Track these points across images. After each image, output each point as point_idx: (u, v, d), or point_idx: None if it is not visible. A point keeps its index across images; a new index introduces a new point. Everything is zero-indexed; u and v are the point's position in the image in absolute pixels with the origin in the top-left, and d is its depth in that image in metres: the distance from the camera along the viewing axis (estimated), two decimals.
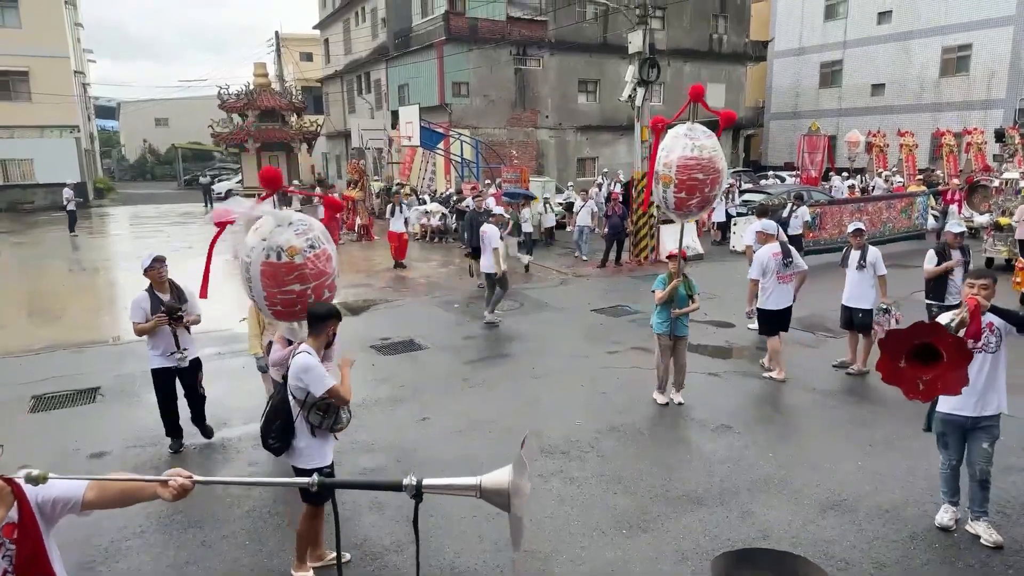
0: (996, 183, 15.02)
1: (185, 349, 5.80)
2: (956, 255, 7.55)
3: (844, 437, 6.13)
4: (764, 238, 7.98)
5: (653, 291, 6.87)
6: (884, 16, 30.32)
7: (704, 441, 6.11)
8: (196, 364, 5.99)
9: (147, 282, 5.78)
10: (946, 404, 4.51)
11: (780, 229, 8.48)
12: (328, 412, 3.89)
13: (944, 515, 4.63)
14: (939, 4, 28.31)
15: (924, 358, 3.86)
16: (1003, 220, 13.39)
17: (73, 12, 36.15)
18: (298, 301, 3.83)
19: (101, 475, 2.40)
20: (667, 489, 5.21)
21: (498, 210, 12.52)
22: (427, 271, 15.29)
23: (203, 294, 4.38)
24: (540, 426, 6.39)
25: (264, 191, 3.98)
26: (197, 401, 6.06)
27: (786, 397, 7.24)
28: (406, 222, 15.92)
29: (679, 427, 6.48)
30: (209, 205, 31.90)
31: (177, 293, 5.83)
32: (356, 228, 20.07)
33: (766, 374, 7.74)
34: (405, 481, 1.95)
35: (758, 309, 7.85)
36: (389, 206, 15.88)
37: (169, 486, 2.19)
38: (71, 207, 22.17)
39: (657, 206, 12.91)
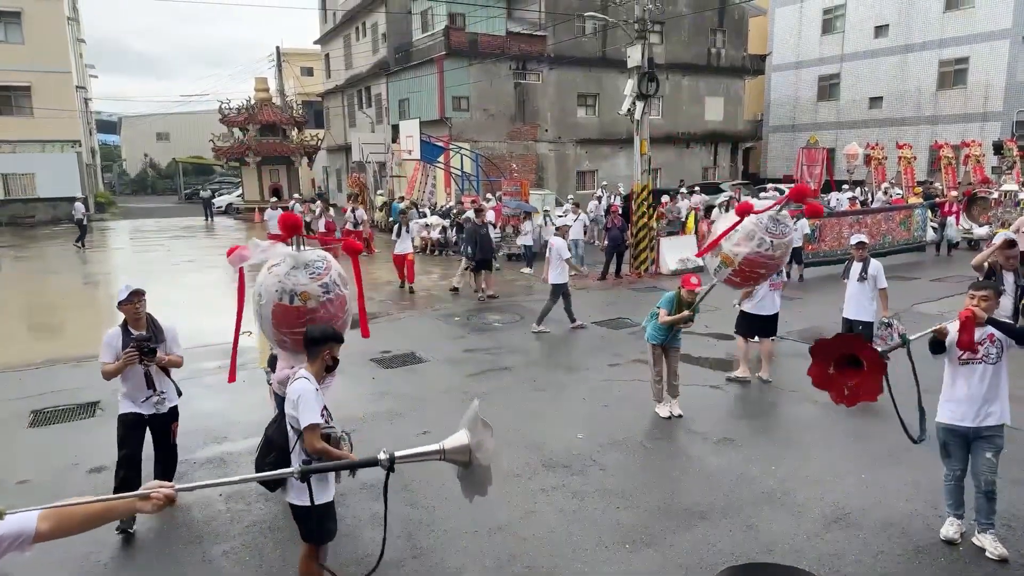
0: (995, 195, 15.08)
1: (162, 392, 4.90)
2: (1009, 281, 6.57)
3: (846, 450, 6.11)
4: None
5: (658, 308, 6.86)
6: (881, 30, 30.56)
7: (706, 454, 6.08)
8: (173, 413, 5.05)
9: (122, 316, 4.92)
10: (947, 415, 4.51)
11: None
12: (329, 443, 3.55)
13: (949, 528, 4.60)
14: (936, 18, 28.55)
15: (849, 365, 4.26)
16: (1002, 231, 13.41)
17: (76, 28, 36.44)
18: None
19: (62, 501, 2.16)
20: (670, 503, 5.18)
21: (562, 222, 12.76)
22: (427, 284, 15.28)
23: (236, 339, 4.33)
24: (542, 440, 6.37)
25: (282, 233, 3.88)
26: (168, 455, 5.14)
27: (787, 410, 7.22)
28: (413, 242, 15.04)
29: (681, 440, 6.45)
30: (210, 219, 32.01)
31: (154, 330, 4.92)
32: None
33: (731, 376, 8.04)
34: (380, 456, 2.12)
35: (741, 311, 8.03)
36: (396, 226, 14.69)
37: (152, 499, 2.17)
38: (84, 220, 22.46)
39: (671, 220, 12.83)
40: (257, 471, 3.67)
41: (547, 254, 11.07)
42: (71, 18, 33.70)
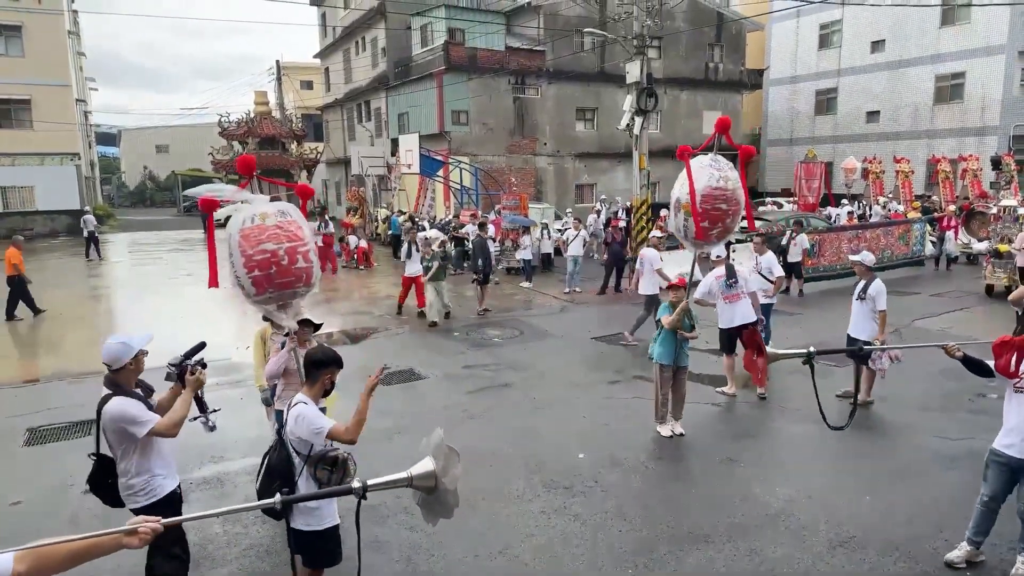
0: (994, 210, 15.10)
1: (216, 409, 4.07)
2: None
3: (850, 470, 6.05)
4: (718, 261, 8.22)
5: (658, 320, 6.82)
6: (878, 45, 30.74)
7: (709, 475, 6.02)
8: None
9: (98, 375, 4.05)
10: (999, 441, 4.36)
11: (727, 252, 8.66)
12: (336, 466, 3.45)
13: (957, 552, 4.52)
14: (932, 33, 28.73)
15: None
16: (1002, 247, 13.43)
17: (76, 42, 36.58)
18: (272, 262, 3.85)
19: (43, 540, 2.08)
20: (673, 526, 5.11)
21: (655, 233, 12.91)
22: (428, 299, 15.20)
23: (212, 283, 4.33)
24: (542, 459, 6.30)
25: (243, 177, 4.16)
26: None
27: (789, 429, 7.16)
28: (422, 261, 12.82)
29: (683, 460, 6.39)
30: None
31: (144, 388, 3.84)
32: (353, 255, 20.04)
33: (719, 390, 8.15)
34: (355, 485, 2.25)
35: (720, 328, 8.26)
36: (405, 246, 13.17)
37: (140, 534, 2.16)
38: (95, 233, 22.95)
39: (671, 234, 12.81)
40: (260, 499, 3.57)
41: (637, 265, 11.06)
42: (72, 32, 33.83)
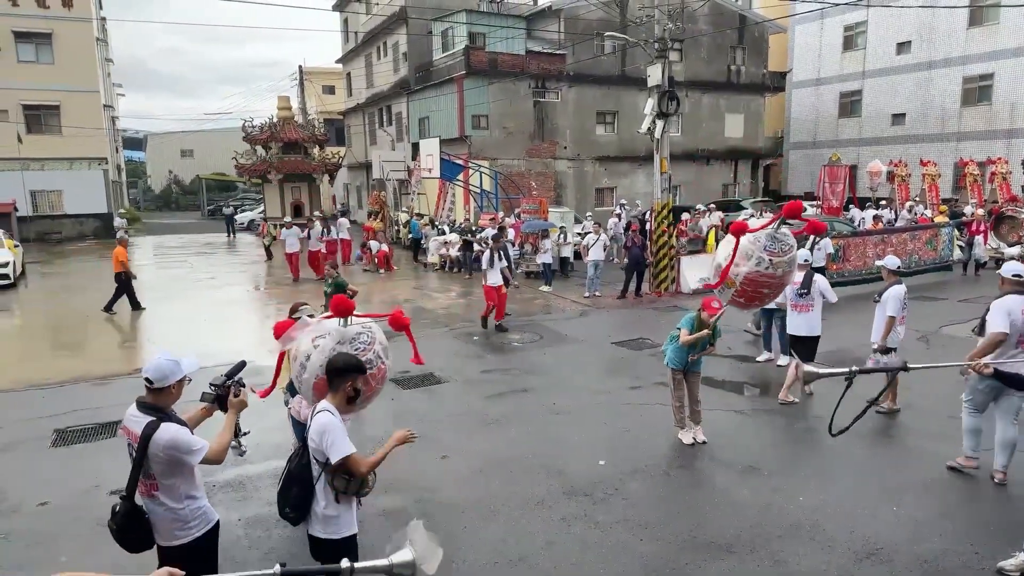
0: None
1: (246, 432, 3.97)
2: None
3: (877, 480, 5.94)
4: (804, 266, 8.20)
5: (679, 328, 6.75)
6: (903, 47, 30.29)
7: (731, 484, 5.94)
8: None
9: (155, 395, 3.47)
10: None
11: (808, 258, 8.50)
12: (354, 476, 3.46)
13: (1012, 560, 4.36)
14: (959, 35, 28.24)
15: None
16: None
17: (104, 48, 37.27)
18: (366, 398, 3.87)
19: None
20: (695, 535, 5.05)
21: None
22: (446, 302, 15.27)
23: (264, 394, 4.33)
24: (563, 466, 6.27)
25: (335, 315, 3.84)
26: None
27: (814, 437, 7.05)
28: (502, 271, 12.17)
29: (705, 468, 6.32)
30: (232, 235, 32.42)
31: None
32: (374, 259, 20.14)
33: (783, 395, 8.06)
34: (343, 565, 2.33)
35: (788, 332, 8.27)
36: (487, 253, 12.23)
37: None
38: (126, 235, 23.14)
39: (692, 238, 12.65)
40: (280, 505, 3.65)
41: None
42: (100, 39, 34.48)
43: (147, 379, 3.36)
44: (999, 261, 17.10)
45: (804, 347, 7.80)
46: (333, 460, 3.37)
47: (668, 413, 7.22)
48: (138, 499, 3.39)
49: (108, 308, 13.90)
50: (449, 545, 4.93)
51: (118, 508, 3.36)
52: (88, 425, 7.54)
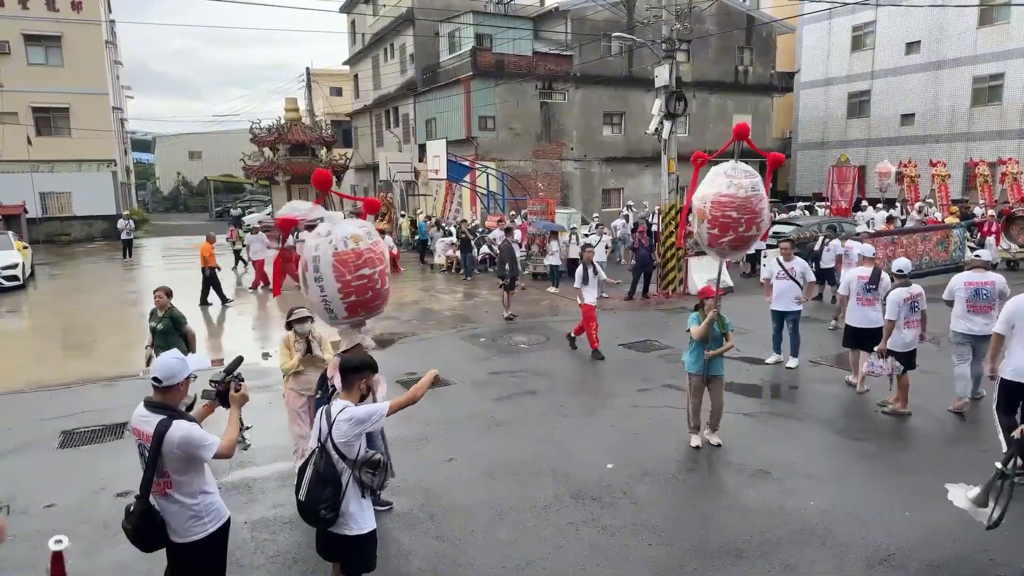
0: None
1: (248, 427, 4.12)
2: None
3: (889, 485, 5.85)
4: (863, 261, 8.52)
5: (688, 329, 6.68)
6: (913, 46, 30.11)
7: (742, 488, 5.87)
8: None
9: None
10: None
11: (872, 254, 8.65)
12: (378, 469, 3.54)
13: None
14: (969, 34, 28.05)
15: None
16: None
17: (113, 51, 37.44)
18: (369, 287, 4.17)
19: None
20: (705, 540, 4.99)
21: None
22: (453, 303, 15.24)
23: (276, 292, 4.58)
24: (570, 469, 6.22)
25: (318, 193, 4.48)
26: None
27: (825, 441, 6.96)
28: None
29: (715, 472, 6.25)
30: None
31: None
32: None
33: (846, 378, 8.53)
34: None
35: (846, 324, 8.35)
36: (580, 269, 10.26)
37: None
38: (128, 236, 24.40)
39: (695, 241, 12.62)
40: (312, 511, 3.52)
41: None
42: (109, 42, 34.64)
43: (155, 378, 3.42)
44: (1010, 262, 16.99)
45: (867, 339, 7.88)
46: (380, 425, 3.64)
47: (677, 416, 7.16)
48: (151, 499, 3.41)
49: (203, 301, 14.67)
50: (456, 549, 4.90)
51: (132, 508, 3.39)
52: (95, 427, 7.54)
